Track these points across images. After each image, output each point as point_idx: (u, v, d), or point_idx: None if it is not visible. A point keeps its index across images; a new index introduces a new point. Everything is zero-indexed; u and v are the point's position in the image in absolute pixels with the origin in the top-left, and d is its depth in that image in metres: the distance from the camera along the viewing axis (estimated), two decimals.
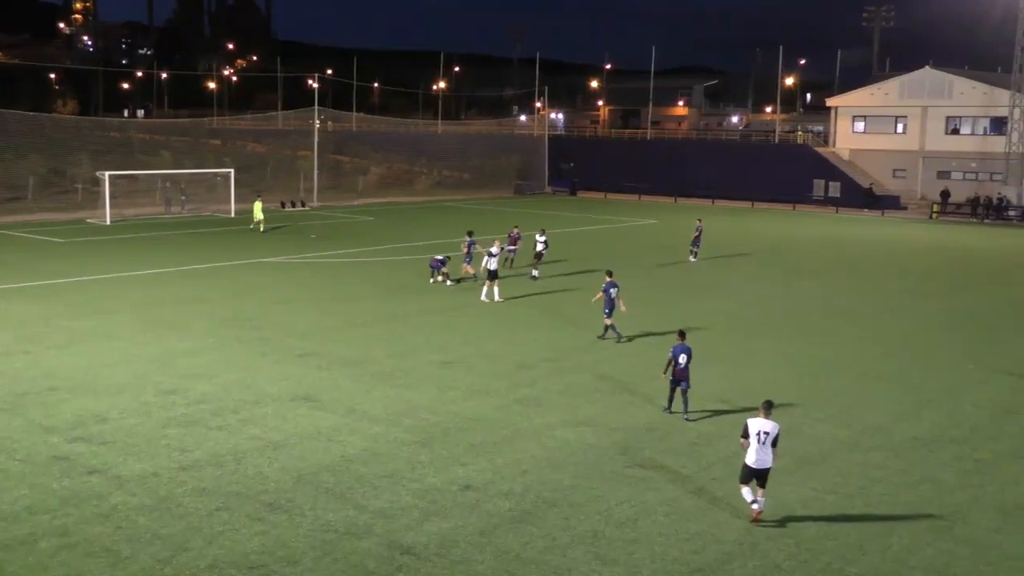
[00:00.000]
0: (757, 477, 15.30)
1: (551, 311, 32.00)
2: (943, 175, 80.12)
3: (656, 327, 28.71)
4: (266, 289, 35.41)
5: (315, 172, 74.73)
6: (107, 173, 57.54)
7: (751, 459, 15.27)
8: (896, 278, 41.70)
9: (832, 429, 20.15)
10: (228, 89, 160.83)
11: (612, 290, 27.56)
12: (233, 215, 60.77)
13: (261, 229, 52.97)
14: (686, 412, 20.50)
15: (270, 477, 16.72)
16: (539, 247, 39.07)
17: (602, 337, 27.75)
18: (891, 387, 23.71)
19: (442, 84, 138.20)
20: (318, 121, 78.36)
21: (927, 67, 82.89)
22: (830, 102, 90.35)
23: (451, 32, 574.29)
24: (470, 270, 37.14)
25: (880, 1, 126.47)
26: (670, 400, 20.83)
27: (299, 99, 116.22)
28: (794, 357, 26.61)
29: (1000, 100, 75.85)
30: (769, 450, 15.25)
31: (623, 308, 27.70)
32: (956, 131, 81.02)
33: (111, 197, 56.68)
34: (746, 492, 15.43)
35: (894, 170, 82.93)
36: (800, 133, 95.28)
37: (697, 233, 45.27)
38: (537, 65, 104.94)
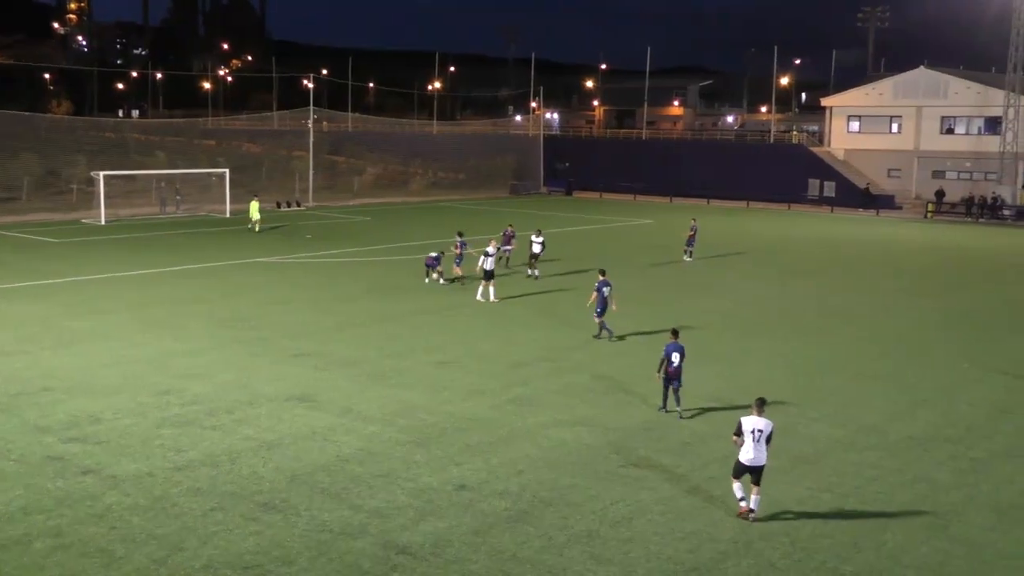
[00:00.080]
0: (751, 474, 15.33)
1: (546, 311, 32.00)
2: (938, 175, 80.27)
3: (651, 327, 28.71)
4: (261, 289, 35.38)
5: (310, 172, 74.69)
6: (102, 173, 57.47)
7: (745, 456, 15.34)
8: (891, 278, 41.76)
9: (827, 428, 20.17)
10: (223, 89, 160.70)
11: (605, 289, 27.61)
12: (228, 215, 60.70)
13: (256, 229, 52.93)
14: (679, 408, 20.58)
15: (265, 477, 16.70)
16: (535, 248, 38.96)
17: (597, 337, 27.77)
18: (886, 386, 23.74)
19: (437, 84, 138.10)
20: (312, 119, 78.23)
21: (922, 67, 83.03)
22: (825, 102, 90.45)
23: (446, 32, 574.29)
24: (459, 271, 37.09)
25: (875, 1, 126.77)
26: (664, 399, 20.87)
27: (294, 99, 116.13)
28: (789, 356, 26.63)
29: (994, 100, 75.99)
30: (763, 447, 15.31)
31: (614, 307, 27.72)
32: (951, 131, 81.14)
33: (106, 197, 56.59)
34: (737, 487, 15.50)
35: (889, 170, 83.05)
36: (795, 133, 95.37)
37: (692, 233, 45.29)
38: (532, 65, 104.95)
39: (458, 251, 37.37)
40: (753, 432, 15.29)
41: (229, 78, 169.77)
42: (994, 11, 79.47)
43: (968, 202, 72.87)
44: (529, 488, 16.47)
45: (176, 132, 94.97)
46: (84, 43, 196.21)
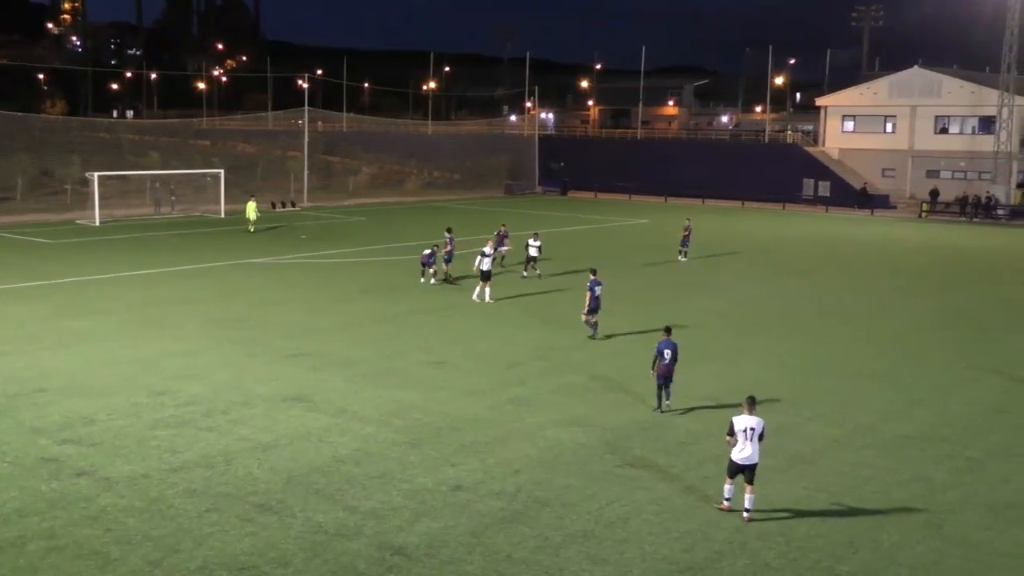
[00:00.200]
0: (745, 473, 15.38)
1: (542, 311, 32.00)
2: (932, 174, 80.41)
3: (646, 326, 28.70)
4: (257, 290, 35.34)
5: (305, 172, 74.63)
6: (96, 174, 57.37)
7: (738, 455, 15.40)
8: (887, 277, 41.81)
9: (823, 428, 20.19)
10: (217, 89, 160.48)
11: (597, 288, 27.67)
12: (223, 215, 60.64)
13: (252, 230, 52.86)
14: (668, 403, 20.80)
15: (260, 478, 16.68)
16: (531, 251, 38.79)
17: (592, 337, 27.78)
18: (882, 386, 23.77)
19: (432, 84, 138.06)
20: (305, 120, 78.16)
21: (916, 67, 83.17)
22: (820, 102, 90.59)
23: (441, 32, 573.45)
24: (447, 269, 37.07)
25: (869, 1, 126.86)
26: (659, 399, 20.90)
27: (289, 99, 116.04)
28: (785, 356, 26.66)
29: (988, 99, 76.12)
30: (756, 445, 15.39)
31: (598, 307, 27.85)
32: (945, 130, 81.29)
33: (101, 198, 56.51)
34: (728, 489, 15.62)
35: (883, 169, 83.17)
36: (790, 133, 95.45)
37: (686, 233, 45.32)
38: (527, 65, 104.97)
39: (448, 248, 37.32)
40: (746, 431, 15.36)
41: (224, 78, 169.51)
42: (988, 11, 79.58)
43: (962, 202, 72.99)
44: (525, 488, 16.46)
45: (171, 132, 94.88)
46: (78, 43, 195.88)
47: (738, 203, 79.59)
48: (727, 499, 15.66)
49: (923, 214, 73.26)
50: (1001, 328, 31.46)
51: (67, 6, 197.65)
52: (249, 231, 52.61)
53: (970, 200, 72.69)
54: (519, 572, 13.52)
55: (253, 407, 20.68)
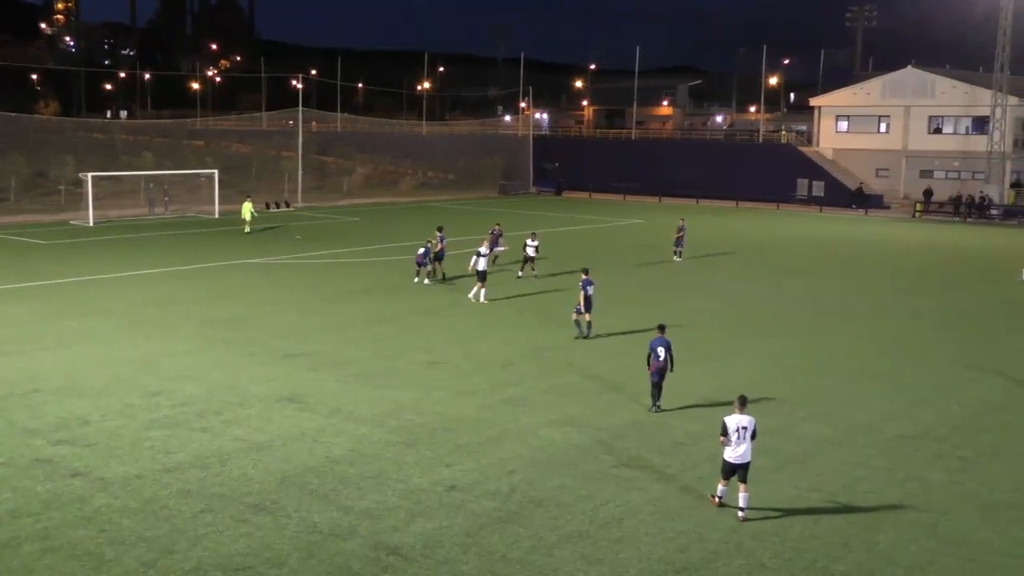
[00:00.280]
0: (738, 472, 15.44)
1: (537, 311, 32.00)
2: (926, 174, 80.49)
3: (641, 326, 28.69)
4: (251, 290, 35.30)
5: (299, 173, 74.55)
6: (90, 174, 57.28)
7: (731, 455, 15.46)
8: (882, 277, 41.85)
9: (818, 427, 20.21)
10: (211, 90, 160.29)
11: (589, 287, 27.70)
12: (217, 216, 60.55)
13: (248, 230, 52.77)
14: (659, 403, 20.84)
15: (254, 479, 16.66)
16: (529, 251, 38.71)
17: (588, 336, 27.79)
18: (879, 385, 23.80)
19: (426, 84, 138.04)
20: (295, 120, 78.05)
21: (910, 67, 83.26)
22: (813, 102, 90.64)
23: (435, 32, 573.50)
24: (439, 267, 37.04)
25: (863, 0, 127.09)
26: (654, 399, 20.91)
27: (283, 99, 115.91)
28: (780, 356, 26.68)
29: (982, 99, 76.25)
30: (749, 444, 15.44)
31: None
32: (938, 130, 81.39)
33: (94, 198, 56.41)
34: (721, 489, 15.71)
35: (877, 169, 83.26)
36: (784, 133, 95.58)
37: (680, 233, 45.30)
38: (522, 65, 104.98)
39: (440, 246, 37.24)
40: (738, 430, 15.43)
41: (217, 78, 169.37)
42: (981, 11, 79.74)
43: (956, 201, 73.13)
44: (519, 489, 16.46)
45: (164, 133, 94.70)
46: (71, 43, 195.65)
47: (732, 203, 79.64)
48: (719, 496, 15.78)
49: (917, 214, 73.39)
50: (1002, 328, 31.46)
51: (60, 6, 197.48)
52: (244, 232, 52.51)
53: (964, 200, 72.82)
54: (514, 572, 13.52)
55: (247, 408, 20.66)
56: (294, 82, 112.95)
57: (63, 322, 29.06)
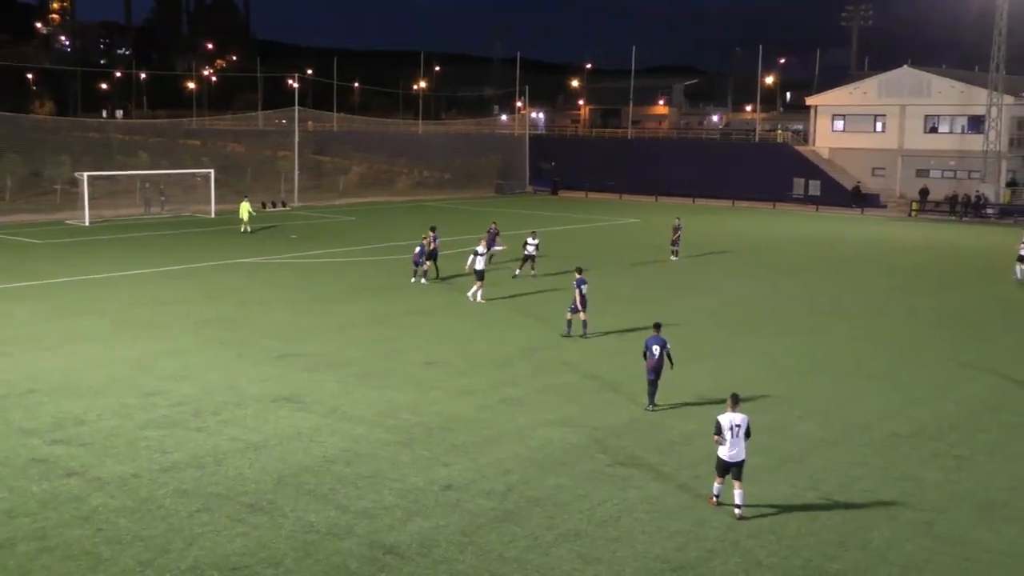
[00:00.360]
0: (733, 470, 15.49)
1: (533, 311, 32.01)
2: (922, 173, 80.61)
3: (638, 325, 28.71)
4: (247, 290, 35.28)
5: (295, 172, 74.52)
6: (86, 174, 57.22)
7: (726, 453, 15.50)
8: (879, 276, 41.88)
9: (814, 426, 20.23)
10: (207, 89, 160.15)
11: (583, 286, 27.73)
12: (213, 215, 60.50)
13: (241, 229, 52.73)
14: (655, 401, 20.86)
15: (251, 478, 16.65)
16: (529, 249, 38.64)
17: (583, 336, 27.80)
18: (874, 384, 23.82)
19: (422, 84, 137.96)
20: (289, 120, 78.00)
21: (905, 66, 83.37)
22: (810, 101, 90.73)
23: (431, 32, 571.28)
24: (430, 266, 37.00)
25: (859, 0, 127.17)
26: (650, 397, 20.93)
27: (279, 99, 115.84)
28: (776, 355, 26.70)
29: (977, 99, 76.35)
30: (742, 442, 15.50)
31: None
32: (934, 129, 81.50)
33: (90, 198, 56.36)
34: (717, 487, 15.77)
35: (873, 168, 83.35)
36: (780, 132, 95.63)
37: (677, 232, 45.27)
38: (518, 64, 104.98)
39: (433, 245, 37.09)
40: (731, 428, 15.48)
41: (213, 78, 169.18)
42: (977, 10, 79.83)
43: (952, 200, 73.20)
44: (516, 488, 16.46)
45: (160, 132, 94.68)
46: (67, 43, 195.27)
47: (728, 202, 79.67)
48: (716, 495, 15.84)
49: (913, 213, 73.46)
50: (998, 327, 31.48)
51: (55, 5, 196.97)
52: (241, 231, 52.43)
53: (960, 199, 72.91)
54: (511, 571, 13.52)
55: (244, 407, 20.65)
56: (290, 81, 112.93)
57: (59, 322, 29.02)
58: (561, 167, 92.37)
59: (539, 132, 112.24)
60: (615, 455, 18.20)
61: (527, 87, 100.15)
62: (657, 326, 21.39)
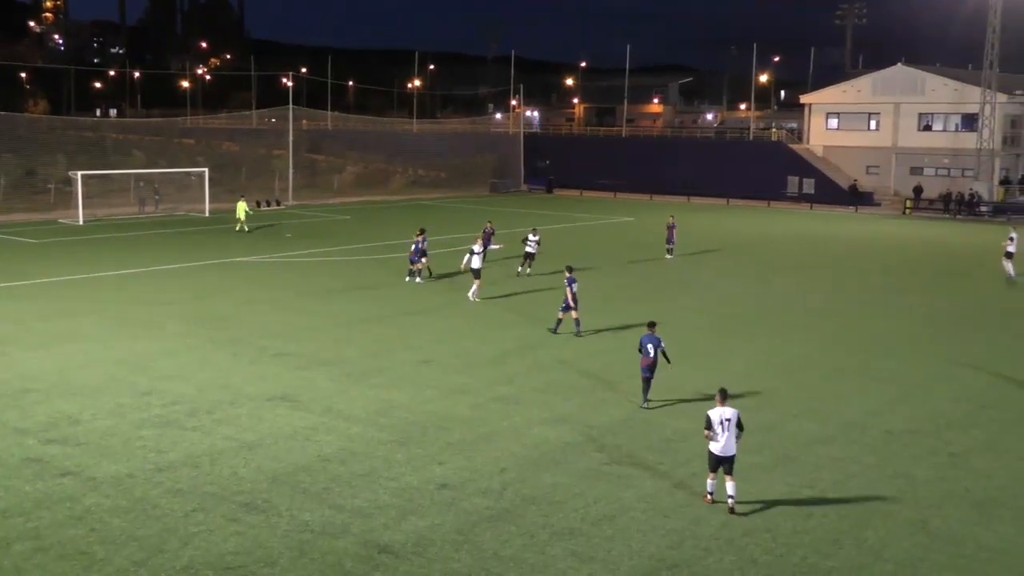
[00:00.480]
0: (724, 465, 15.56)
1: (528, 309, 32.01)
2: (916, 171, 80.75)
3: (632, 323, 28.73)
4: (242, 289, 35.24)
5: (290, 171, 74.44)
6: (80, 173, 57.10)
7: (718, 448, 15.58)
8: (873, 274, 41.93)
9: (808, 424, 20.26)
10: (201, 88, 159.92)
11: (573, 285, 27.80)
12: (208, 215, 60.43)
13: (237, 228, 52.67)
14: (648, 399, 20.88)
15: (246, 478, 16.64)
16: (530, 247, 38.50)
17: (577, 334, 27.81)
18: (869, 382, 23.86)
19: (417, 82, 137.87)
20: (290, 116, 77.87)
21: (899, 64, 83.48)
22: (804, 99, 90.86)
23: (426, 30, 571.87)
24: (421, 266, 36.95)
25: None
26: (644, 395, 20.96)
27: (273, 98, 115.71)
28: (771, 353, 26.73)
29: (971, 97, 76.49)
30: (733, 436, 15.57)
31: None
32: (928, 127, 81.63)
33: (84, 197, 56.26)
34: (710, 483, 15.81)
35: (867, 166, 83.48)
36: (774, 130, 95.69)
37: (670, 230, 45.22)
38: (512, 63, 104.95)
39: (422, 245, 36.94)
40: (722, 422, 15.54)
41: (208, 77, 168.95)
42: (970, 8, 79.94)
43: (946, 198, 73.33)
44: (511, 486, 16.47)
45: (155, 131, 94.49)
46: (60, 42, 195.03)
47: (723, 201, 79.76)
48: (710, 492, 15.85)
49: (907, 211, 73.61)
50: (991, 324, 31.51)
51: (49, 4, 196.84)
52: (237, 230, 52.32)
53: (953, 197, 73.03)
54: (506, 570, 13.53)
55: (238, 407, 20.63)
56: (285, 80, 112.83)
57: (53, 321, 28.97)
58: (556, 166, 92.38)
59: (534, 130, 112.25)
60: (610, 453, 18.21)
61: (522, 85, 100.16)
62: (651, 324, 21.43)
